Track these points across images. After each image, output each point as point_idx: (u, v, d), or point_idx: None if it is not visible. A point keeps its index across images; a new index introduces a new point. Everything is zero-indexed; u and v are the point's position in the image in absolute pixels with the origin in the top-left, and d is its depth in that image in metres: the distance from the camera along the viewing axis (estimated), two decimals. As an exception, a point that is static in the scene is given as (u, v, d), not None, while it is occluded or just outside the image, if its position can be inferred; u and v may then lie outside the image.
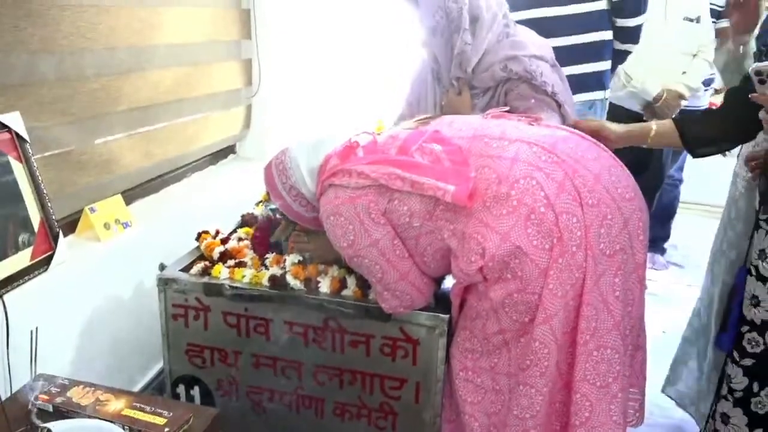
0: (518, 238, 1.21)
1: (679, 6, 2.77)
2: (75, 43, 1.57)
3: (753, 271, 1.32)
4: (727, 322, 1.40)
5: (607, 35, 2.25)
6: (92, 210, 1.70)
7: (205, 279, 1.54)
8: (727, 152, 1.88)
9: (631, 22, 2.24)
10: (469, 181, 1.24)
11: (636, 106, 2.81)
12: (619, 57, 2.32)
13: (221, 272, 1.55)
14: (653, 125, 1.48)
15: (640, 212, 1.29)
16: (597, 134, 1.44)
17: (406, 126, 1.47)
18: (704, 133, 1.42)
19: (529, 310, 1.25)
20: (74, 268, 1.54)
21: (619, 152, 1.41)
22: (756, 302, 1.30)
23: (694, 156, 1.47)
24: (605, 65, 2.26)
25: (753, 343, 1.31)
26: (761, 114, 1.23)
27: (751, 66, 1.18)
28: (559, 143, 1.29)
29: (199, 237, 1.72)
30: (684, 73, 2.78)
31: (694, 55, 2.79)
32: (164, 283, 1.54)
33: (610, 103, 2.78)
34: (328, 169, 1.39)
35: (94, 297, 1.64)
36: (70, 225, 1.70)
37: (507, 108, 1.53)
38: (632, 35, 2.27)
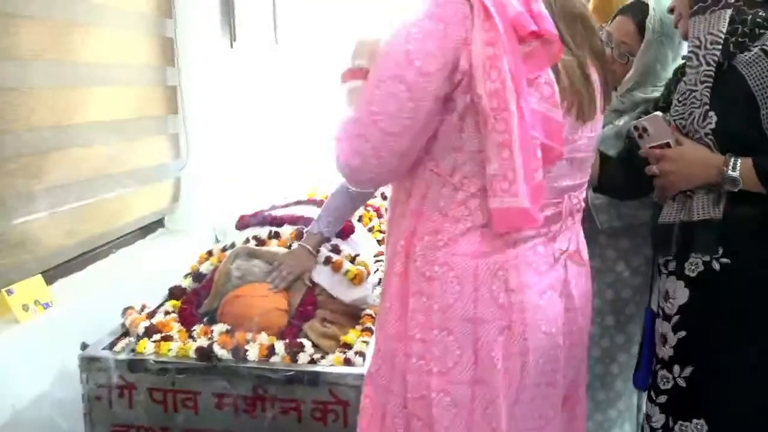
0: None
1: None
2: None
3: (660, 313, 1.39)
4: (640, 362, 1.47)
5: None
6: (9, 292, 1.64)
7: (130, 355, 1.51)
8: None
9: None
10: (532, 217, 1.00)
11: None
12: None
13: (146, 347, 1.53)
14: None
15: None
16: None
17: None
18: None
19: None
20: (-11, 353, 1.48)
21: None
22: (664, 341, 1.37)
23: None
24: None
25: (664, 380, 1.38)
26: (647, 168, 1.30)
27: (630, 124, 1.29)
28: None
29: (124, 313, 1.69)
30: None
31: None
32: (86, 363, 1.50)
33: None
34: None
35: (11, 382, 1.57)
36: (-14, 308, 1.64)
37: None
38: None
